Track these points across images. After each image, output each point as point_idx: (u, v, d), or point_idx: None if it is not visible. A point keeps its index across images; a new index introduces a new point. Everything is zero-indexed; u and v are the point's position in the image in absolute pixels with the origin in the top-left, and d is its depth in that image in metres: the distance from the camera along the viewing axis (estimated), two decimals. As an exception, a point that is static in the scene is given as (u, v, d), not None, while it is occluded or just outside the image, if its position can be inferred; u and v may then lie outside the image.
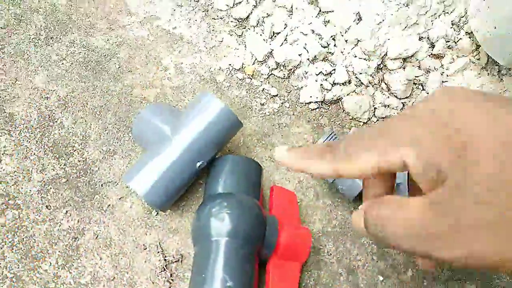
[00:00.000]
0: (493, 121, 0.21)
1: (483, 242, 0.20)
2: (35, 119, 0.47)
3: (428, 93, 0.57)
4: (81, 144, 0.47)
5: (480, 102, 0.22)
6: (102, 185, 0.45)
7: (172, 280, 0.41)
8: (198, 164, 0.41)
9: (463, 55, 0.57)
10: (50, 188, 0.44)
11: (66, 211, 0.43)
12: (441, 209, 0.21)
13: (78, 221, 0.42)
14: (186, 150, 0.40)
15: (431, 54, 0.57)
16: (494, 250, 0.20)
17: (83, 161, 0.46)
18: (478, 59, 0.57)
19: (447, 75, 0.57)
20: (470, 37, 0.57)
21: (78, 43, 0.54)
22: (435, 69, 0.57)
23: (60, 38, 0.54)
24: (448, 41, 0.57)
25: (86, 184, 0.44)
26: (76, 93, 0.50)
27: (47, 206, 0.42)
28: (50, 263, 0.40)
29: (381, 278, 0.44)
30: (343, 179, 0.45)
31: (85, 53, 0.54)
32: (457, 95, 0.23)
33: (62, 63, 0.52)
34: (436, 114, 0.22)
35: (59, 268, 0.40)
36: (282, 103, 0.55)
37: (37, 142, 0.46)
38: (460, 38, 0.57)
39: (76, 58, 0.53)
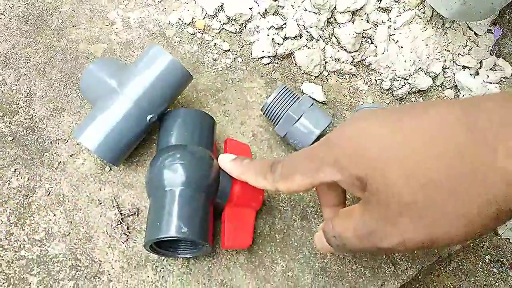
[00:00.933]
0: (391, 132, 0.26)
1: (411, 228, 0.25)
2: (-27, 76, 0.45)
3: (376, 46, 0.58)
4: (26, 101, 0.45)
5: (381, 119, 0.27)
6: (51, 142, 0.44)
7: (129, 232, 0.41)
8: (149, 117, 0.41)
9: (409, 9, 0.59)
10: (-4, 147, 0.42)
11: (15, 169, 0.41)
12: (371, 210, 0.27)
13: (28, 179, 0.41)
14: (135, 103, 0.40)
15: (379, 7, 0.58)
16: (423, 233, 0.25)
17: (29, 118, 0.44)
18: (424, 13, 0.59)
19: (394, 29, 0.59)
20: (415, -10, 0.58)
21: (16, -4, 0.51)
22: (382, 22, 0.58)
23: (-5, -9, 0.51)
24: (395, -6, 0.58)
25: (34, 142, 0.43)
26: (18, 49, 0.48)
27: (-7, 165, 0.41)
28: (1, 221, 0.39)
29: (332, 222, 0.47)
30: (296, 133, 0.47)
31: (25, 7, 0.51)
32: (365, 119, 0.28)
33: (0, 18, 0.49)
34: (350, 138, 0.28)
35: (11, 226, 0.39)
36: (234, 58, 0.55)
37: (-23, 100, 0.44)
38: (406, -8, 0.58)
39: (16, 12, 0.50)
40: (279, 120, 0.47)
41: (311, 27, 0.56)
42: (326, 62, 0.57)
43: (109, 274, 0.39)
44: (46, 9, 0.51)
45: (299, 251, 0.44)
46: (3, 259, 0.38)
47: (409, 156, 0.25)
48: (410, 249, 0.27)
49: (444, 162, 0.24)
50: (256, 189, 0.42)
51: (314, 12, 0.56)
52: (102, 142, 0.39)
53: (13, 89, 0.45)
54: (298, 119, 0.46)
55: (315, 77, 0.57)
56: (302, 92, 0.55)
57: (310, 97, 0.50)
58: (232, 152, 0.45)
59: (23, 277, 0.37)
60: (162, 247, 0.38)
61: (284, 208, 0.46)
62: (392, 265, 0.46)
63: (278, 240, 0.44)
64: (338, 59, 0.57)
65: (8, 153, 0.42)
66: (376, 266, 0.45)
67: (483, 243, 0.73)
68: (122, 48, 0.51)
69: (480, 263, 0.71)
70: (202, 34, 0.55)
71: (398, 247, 0.27)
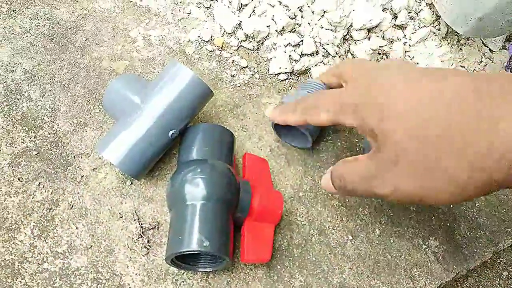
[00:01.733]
0: (408, 90, 0.28)
1: (404, 179, 0.28)
2: (1, 92, 0.46)
3: (391, 62, 0.59)
4: (51, 116, 0.46)
5: (403, 76, 0.29)
6: (74, 156, 0.45)
7: (149, 246, 0.41)
8: (171, 132, 0.42)
9: (424, 26, 0.60)
10: (21, 161, 0.43)
11: (39, 183, 0.42)
12: (375, 158, 0.30)
13: (51, 193, 0.42)
14: (157, 119, 0.41)
15: (394, 24, 0.59)
16: (414, 186, 0.27)
17: (54, 133, 0.45)
18: (439, 29, 0.60)
19: (410, 45, 0.60)
20: (430, 8, 0.59)
21: (42, 15, 0.53)
22: (398, 39, 0.59)
23: (22, 11, 0.53)
24: (410, 12, 0.59)
25: (58, 156, 0.44)
26: (43, 66, 0.49)
27: (19, 179, 0.42)
28: (26, 234, 0.40)
29: (350, 237, 0.47)
30: (294, 138, 0.49)
31: (49, 26, 0.53)
32: (389, 74, 0.30)
33: (27, 36, 0.51)
34: (371, 91, 0.30)
35: (35, 239, 0.40)
36: (252, 74, 0.56)
37: (4, 115, 0.45)
38: (421, 9, 0.59)
39: (41, 30, 0.52)
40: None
41: (327, 44, 0.57)
42: (342, 78, 0.58)
43: (129, 287, 0.39)
44: (71, 28, 0.53)
45: (317, 266, 0.44)
46: (26, 272, 0.38)
47: (419, 112, 0.26)
48: (401, 200, 0.29)
49: (448, 121, 0.25)
50: (275, 204, 0.42)
51: (331, 30, 0.57)
52: (125, 157, 0.40)
53: (38, 105, 0.47)
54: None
55: (331, 93, 0.57)
56: (318, 107, 0.55)
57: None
58: (251, 167, 0.46)
59: (46, 289, 0.38)
60: (183, 260, 0.39)
61: (302, 223, 0.47)
62: (411, 281, 0.46)
63: (296, 255, 0.44)
64: (354, 75, 0.58)
65: (33, 167, 0.43)
66: (394, 282, 0.45)
67: (501, 259, 0.72)
68: (143, 65, 0.52)
69: (498, 280, 0.70)
70: (221, 51, 0.56)
71: (390, 195, 0.29)
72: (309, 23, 0.58)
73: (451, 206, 0.52)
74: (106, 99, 0.43)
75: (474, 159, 0.24)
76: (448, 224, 0.51)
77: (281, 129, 0.50)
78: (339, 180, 0.34)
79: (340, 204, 0.49)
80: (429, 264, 0.47)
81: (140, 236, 0.42)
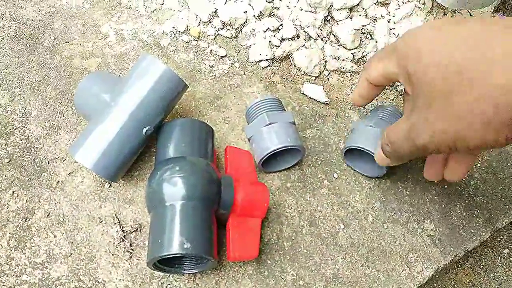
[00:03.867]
0: (436, 35, 0.29)
1: (439, 119, 0.28)
2: (-33, 99, 0.44)
3: (377, 42, 0.57)
4: (22, 121, 0.44)
5: (431, 27, 0.30)
6: (48, 162, 0.43)
7: (132, 250, 0.40)
8: (145, 130, 0.40)
9: (408, 1, 0.57)
10: (-8, 170, 0.41)
11: (13, 192, 0.41)
12: (412, 108, 0.31)
13: (26, 201, 0.40)
14: (130, 116, 0.39)
15: (377, 1, 0.56)
16: (448, 124, 0.28)
17: (26, 139, 0.43)
18: (423, 4, 0.58)
19: (394, 22, 0.58)
20: (413, -18, 0.57)
21: (7, 16, 0.51)
22: (381, 16, 0.57)
23: (-14, 12, 0.51)
24: (392, -13, 0.56)
25: (31, 162, 0.42)
26: (11, 69, 0.47)
27: (-10, 189, 0.40)
28: (2, 246, 0.38)
29: (342, 226, 0.45)
30: (259, 138, 0.45)
31: (16, 26, 0.50)
32: (421, 27, 0.32)
33: (-8, 39, 0.49)
34: (408, 41, 0.32)
35: (11, 250, 0.38)
36: (231, 63, 0.54)
37: (-28, 123, 0.43)
38: (404, -17, 0.57)
39: (7, 32, 0.50)
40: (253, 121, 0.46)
41: (308, 27, 0.55)
42: (326, 62, 0.56)
43: (113, 294, 0.38)
44: (38, 27, 0.51)
45: (309, 258, 0.43)
46: (4, 285, 0.37)
47: (445, 51, 0.28)
48: (439, 146, 0.30)
49: (470, 55, 0.26)
50: (260, 197, 0.41)
51: (311, 11, 0.55)
52: (99, 159, 0.38)
53: (8, 110, 0.45)
54: (270, 124, 0.44)
55: (316, 77, 0.55)
56: (303, 93, 0.53)
57: (292, 120, 0.46)
58: (233, 160, 0.44)
59: (26, 302, 0.36)
60: (167, 264, 0.37)
61: (291, 215, 0.45)
62: (407, 267, 0.44)
63: (286, 248, 0.43)
64: (338, 58, 0.56)
65: (5, 176, 0.41)
66: (390, 269, 0.44)
67: (501, 237, 0.71)
68: (116, 61, 0.50)
69: (499, 258, 0.69)
70: (198, 41, 0.54)
71: (430, 143, 0.30)
72: (287, 6, 0.55)
73: (445, 186, 0.51)
74: (77, 99, 0.41)
75: (498, 94, 0.25)
76: (443, 206, 0.49)
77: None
78: (388, 146, 0.35)
79: (330, 192, 0.47)
80: (426, 248, 0.46)
81: (121, 240, 0.40)
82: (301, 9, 0.55)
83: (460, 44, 0.27)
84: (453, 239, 0.47)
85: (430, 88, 0.29)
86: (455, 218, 0.49)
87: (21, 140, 0.43)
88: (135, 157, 0.42)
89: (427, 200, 0.49)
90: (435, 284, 0.57)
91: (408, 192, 0.49)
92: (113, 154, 0.39)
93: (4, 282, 0.37)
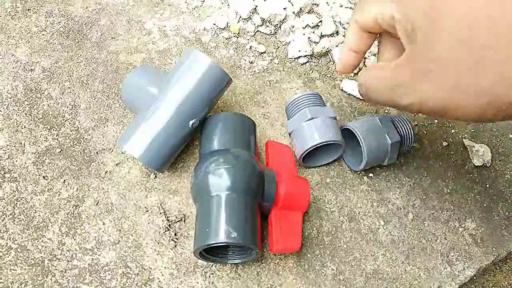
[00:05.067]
0: None
1: (435, 90, 0.26)
2: (21, 92, 0.46)
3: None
4: (71, 113, 0.46)
5: None
6: (97, 152, 0.44)
7: (177, 239, 0.41)
8: (191, 122, 0.41)
9: None
10: (45, 159, 0.43)
11: (64, 180, 0.42)
12: (406, 65, 0.28)
13: (77, 189, 0.42)
14: (177, 109, 0.40)
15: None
16: (443, 97, 0.26)
17: (76, 130, 0.45)
18: None
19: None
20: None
21: (56, 12, 0.53)
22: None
23: (37, 9, 0.53)
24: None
25: (81, 152, 0.44)
26: (61, 63, 0.49)
27: (44, 177, 0.42)
28: (54, 232, 0.40)
29: (382, 222, 0.45)
30: (300, 133, 0.45)
31: (65, 23, 0.52)
32: None
33: (43, 34, 0.51)
34: None
35: (63, 236, 0.40)
36: (271, 59, 0.55)
37: (26, 114, 0.45)
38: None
39: (56, 28, 0.52)
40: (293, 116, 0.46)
41: (347, 23, 0.55)
42: (365, 58, 0.56)
43: (159, 281, 0.39)
44: (85, 23, 0.52)
45: (349, 254, 0.43)
46: (56, 269, 0.38)
47: (457, 12, 0.24)
48: (424, 111, 0.28)
49: (483, 23, 0.23)
50: (302, 191, 0.41)
51: (350, 8, 0.55)
52: (147, 150, 0.40)
53: (59, 102, 0.46)
54: (311, 119, 0.45)
55: (355, 73, 0.55)
56: (342, 89, 0.53)
57: (333, 115, 0.46)
58: (274, 154, 0.45)
59: (77, 286, 0.38)
60: (211, 253, 0.38)
61: (331, 210, 0.45)
62: (448, 266, 0.44)
63: (326, 243, 0.43)
64: (376, 54, 0.56)
65: (57, 165, 0.43)
66: (431, 267, 0.43)
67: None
68: (160, 57, 0.52)
69: (539, 261, 0.67)
70: (238, 38, 0.55)
71: (413, 106, 0.28)
72: (327, 3, 0.55)
73: (487, 185, 0.50)
74: (124, 92, 0.43)
75: (505, 69, 0.23)
76: (485, 205, 0.48)
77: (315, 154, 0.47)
78: (362, 87, 0.32)
79: (369, 189, 0.47)
80: (467, 247, 0.45)
81: (167, 229, 0.41)
82: (341, 6, 0.55)
83: (478, 11, 0.23)
84: (495, 239, 0.47)
85: (438, 51, 0.25)
86: (497, 218, 0.48)
87: (71, 131, 0.45)
88: (181, 149, 0.43)
89: (469, 199, 0.48)
90: (472, 286, 0.56)
91: (449, 191, 0.49)
92: (160, 145, 0.40)
93: (56, 266, 0.38)
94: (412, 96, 0.27)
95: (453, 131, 0.53)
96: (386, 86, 0.29)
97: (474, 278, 0.47)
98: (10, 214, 0.40)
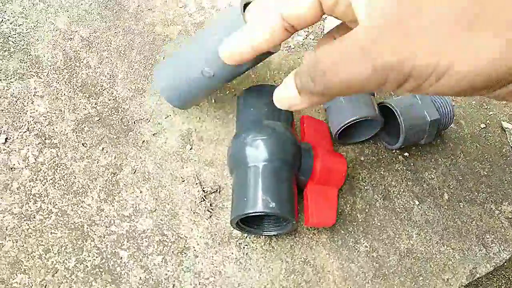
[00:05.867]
0: None
1: (430, 38, 0.19)
2: (61, 60, 0.47)
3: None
4: (109, 83, 0.46)
5: None
6: (134, 122, 0.45)
7: (212, 209, 0.41)
8: (205, 69, 0.37)
9: None
10: (84, 126, 0.44)
11: (102, 148, 0.43)
12: (382, 16, 0.21)
13: (115, 157, 0.43)
14: (195, 51, 0.38)
15: None
16: (441, 45, 0.19)
17: (113, 99, 0.46)
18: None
19: None
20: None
21: (95, -17, 0.53)
22: None
23: (76, -21, 0.53)
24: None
25: (118, 121, 0.45)
26: (99, 33, 0.49)
27: (83, 144, 0.43)
28: (92, 198, 0.41)
29: (417, 202, 0.45)
30: (336, 109, 0.45)
31: (103, -7, 0.52)
32: None
33: (82, 4, 0.51)
34: None
35: (101, 202, 0.41)
36: (306, 35, 0.54)
37: (66, 82, 0.46)
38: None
39: (95, -2, 0.52)
40: None
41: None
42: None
43: (194, 250, 0.39)
44: (123, -6, 0.53)
45: (383, 232, 0.43)
46: (95, 234, 0.39)
47: None
48: (412, 74, 0.20)
49: None
50: (338, 166, 0.41)
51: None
52: (166, 85, 0.40)
53: (97, 72, 0.47)
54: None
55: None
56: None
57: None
58: (309, 129, 0.44)
59: (115, 251, 0.39)
60: (247, 223, 0.38)
61: (365, 188, 0.45)
62: (483, 248, 0.43)
63: (360, 220, 0.43)
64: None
65: (96, 133, 0.44)
66: (465, 248, 0.43)
67: None
68: (196, 29, 0.51)
69: None
70: (274, 12, 0.54)
71: (397, 66, 0.20)
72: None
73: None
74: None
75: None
76: (523, 188, 0.47)
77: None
78: (314, 75, 0.23)
79: (405, 168, 0.46)
80: (503, 230, 0.44)
81: (202, 200, 0.41)
82: None
83: None
84: (532, 224, 0.46)
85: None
86: (535, 202, 0.47)
87: (109, 100, 0.45)
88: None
89: (505, 181, 0.47)
90: (503, 272, 0.55)
91: (485, 173, 0.48)
92: (178, 81, 0.40)
93: (95, 231, 0.39)
94: (398, 50, 0.20)
95: (491, 113, 0.52)
96: (359, 50, 0.21)
97: (504, 265, 0.46)
98: (51, 179, 0.41)
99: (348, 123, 0.43)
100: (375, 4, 0.21)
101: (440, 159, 0.48)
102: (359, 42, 0.21)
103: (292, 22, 0.27)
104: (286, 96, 0.27)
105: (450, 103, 0.45)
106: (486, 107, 0.53)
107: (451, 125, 0.50)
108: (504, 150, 0.50)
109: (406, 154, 0.47)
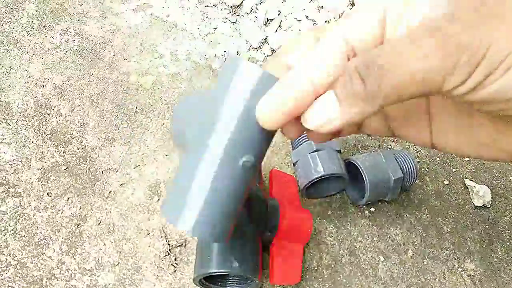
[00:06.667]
0: None
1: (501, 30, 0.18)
2: (31, 107, 0.47)
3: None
4: (80, 131, 0.46)
5: None
6: (102, 172, 0.45)
7: (176, 264, 0.41)
8: (246, 159, 0.24)
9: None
10: (50, 175, 0.43)
11: (68, 198, 0.42)
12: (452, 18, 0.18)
13: (80, 208, 0.42)
14: (217, 143, 0.24)
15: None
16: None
17: (82, 148, 0.45)
18: None
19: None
20: None
21: (71, 31, 0.54)
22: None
23: (53, 26, 0.54)
24: None
25: (86, 171, 0.44)
26: (72, 81, 0.50)
27: (48, 194, 0.42)
28: (54, 250, 0.40)
29: (382, 258, 0.45)
30: (304, 165, 0.45)
31: (79, 41, 0.53)
32: None
33: (57, 51, 0.52)
34: None
35: (63, 255, 0.40)
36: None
37: (35, 130, 0.45)
38: None
39: (71, 46, 0.52)
40: (298, 146, 0.47)
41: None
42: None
43: (156, 307, 0.39)
44: (99, 43, 0.53)
45: (348, 288, 0.43)
46: (54, 288, 0.38)
47: None
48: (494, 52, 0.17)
49: None
50: (304, 223, 0.41)
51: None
52: (201, 217, 0.25)
53: (68, 120, 0.47)
54: (316, 151, 0.45)
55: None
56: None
57: (338, 148, 0.47)
58: (277, 184, 0.45)
59: (73, 306, 0.38)
60: (210, 280, 0.38)
61: (332, 243, 0.45)
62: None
63: (326, 276, 0.43)
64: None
65: (62, 182, 0.43)
66: (429, 307, 0.43)
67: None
68: (170, 80, 0.52)
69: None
70: (247, 65, 0.56)
71: (478, 48, 0.17)
72: (337, 38, 0.57)
73: (487, 226, 0.50)
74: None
75: None
76: (484, 246, 0.48)
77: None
78: (373, 71, 0.18)
79: (371, 223, 0.47)
80: (465, 288, 0.45)
81: (167, 254, 0.41)
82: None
83: None
84: (493, 281, 0.46)
85: None
86: (496, 259, 0.48)
87: (78, 149, 0.45)
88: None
89: (468, 239, 0.49)
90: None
91: (449, 229, 0.49)
92: (215, 201, 0.25)
93: (54, 286, 0.38)
94: (474, 35, 0.17)
95: (454, 170, 0.54)
96: (424, 41, 0.18)
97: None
98: (12, 230, 0.40)
99: (315, 179, 0.44)
100: None
101: (405, 215, 0.49)
102: (429, 24, 0.18)
103: (357, 47, 0.21)
104: (319, 110, 0.21)
105: (413, 160, 0.46)
106: (449, 163, 0.54)
107: (416, 181, 0.51)
108: (467, 207, 0.51)
109: (372, 209, 0.48)
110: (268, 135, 0.24)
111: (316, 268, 0.43)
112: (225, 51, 0.56)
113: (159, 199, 0.44)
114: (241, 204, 0.26)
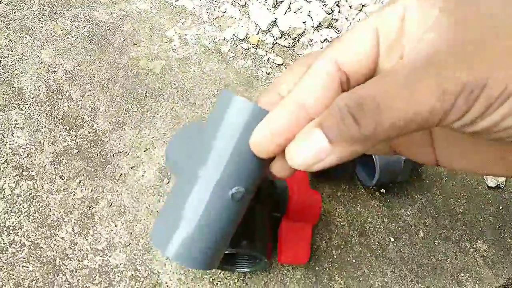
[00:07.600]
0: None
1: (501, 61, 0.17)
2: (43, 92, 0.48)
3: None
4: (91, 116, 0.47)
5: None
6: (113, 155, 0.45)
7: (186, 244, 0.41)
8: (231, 192, 0.25)
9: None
10: (63, 159, 0.44)
11: (79, 181, 0.43)
12: (444, 43, 0.18)
13: (91, 191, 0.43)
14: (208, 176, 0.25)
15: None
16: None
17: (93, 132, 0.46)
18: None
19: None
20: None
21: (82, 17, 0.54)
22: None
23: (63, 13, 0.54)
24: None
25: (97, 154, 0.45)
26: (83, 66, 0.50)
27: (60, 177, 0.43)
28: (67, 231, 0.41)
29: (392, 239, 0.45)
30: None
31: (89, 27, 0.54)
32: None
33: (67, 38, 0.52)
34: None
35: (75, 235, 0.40)
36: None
37: (47, 115, 0.46)
38: None
39: (81, 32, 0.53)
40: None
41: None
42: (381, 75, 0.56)
43: (167, 286, 0.39)
44: (109, 29, 0.54)
45: (358, 269, 0.43)
46: (67, 268, 0.39)
47: None
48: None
49: None
50: (313, 203, 0.41)
51: (369, 24, 0.55)
52: (186, 246, 0.25)
53: (79, 105, 0.48)
54: None
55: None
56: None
57: None
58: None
59: (86, 286, 0.38)
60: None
61: (341, 223, 0.45)
62: (458, 286, 0.43)
63: (335, 256, 0.43)
64: (394, 71, 0.56)
65: (74, 165, 0.44)
66: (440, 286, 0.43)
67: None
68: (179, 64, 0.53)
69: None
70: (256, 49, 0.56)
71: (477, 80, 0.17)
72: (346, 18, 0.56)
73: (500, 207, 0.49)
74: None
75: None
76: (497, 227, 0.48)
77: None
78: (368, 111, 0.18)
79: (381, 204, 0.47)
80: (478, 269, 0.45)
81: (177, 235, 0.41)
82: (360, 21, 0.55)
83: None
84: (506, 262, 0.46)
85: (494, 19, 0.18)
86: (509, 240, 0.47)
87: (89, 133, 0.46)
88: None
89: (481, 219, 0.48)
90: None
91: (461, 210, 0.48)
92: (199, 231, 0.25)
93: (67, 265, 0.39)
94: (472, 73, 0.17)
95: (467, 151, 0.53)
96: (422, 80, 0.17)
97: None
98: (26, 212, 0.41)
99: None
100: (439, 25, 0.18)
101: (416, 196, 0.48)
102: (425, 59, 0.18)
103: (350, 71, 0.20)
104: (309, 151, 0.20)
105: None
106: (462, 144, 0.54)
107: (428, 162, 0.51)
108: (480, 188, 0.51)
109: (382, 190, 0.48)
110: (259, 167, 0.25)
111: (325, 249, 0.43)
112: (234, 35, 0.56)
113: (169, 181, 0.44)
114: (231, 233, 0.27)
